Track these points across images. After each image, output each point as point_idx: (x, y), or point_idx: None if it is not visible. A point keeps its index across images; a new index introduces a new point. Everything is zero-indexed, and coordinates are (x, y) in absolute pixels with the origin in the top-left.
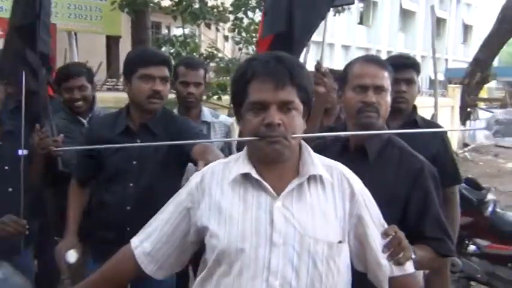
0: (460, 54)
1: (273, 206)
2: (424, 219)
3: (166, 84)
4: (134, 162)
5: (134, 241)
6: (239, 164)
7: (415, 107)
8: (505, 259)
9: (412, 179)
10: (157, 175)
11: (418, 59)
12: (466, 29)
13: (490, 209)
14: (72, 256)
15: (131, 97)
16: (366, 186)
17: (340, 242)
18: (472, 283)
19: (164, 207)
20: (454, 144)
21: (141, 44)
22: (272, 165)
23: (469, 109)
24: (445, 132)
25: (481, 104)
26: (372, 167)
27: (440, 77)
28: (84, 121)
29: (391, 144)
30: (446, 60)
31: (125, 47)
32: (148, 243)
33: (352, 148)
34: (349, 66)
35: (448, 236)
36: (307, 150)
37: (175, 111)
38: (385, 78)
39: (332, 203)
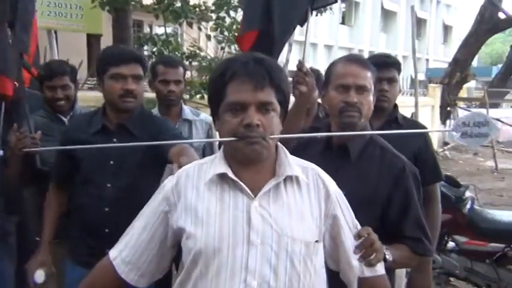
0: (441, 54)
1: (250, 206)
2: (404, 219)
3: (139, 82)
4: (111, 163)
5: (112, 252)
6: (215, 164)
7: (396, 106)
8: (483, 255)
9: (393, 179)
10: (136, 176)
11: (400, 59)
12: (446, 29)
13: (468, 206)
14: (40, 277)
15: (104, 97)
16: (347, 184)
17: (316, 241)
18: (451, 279)
19: (139, 215)
20: (435, 143)
21: (122, 43)
22: (249, 166)
23: (449, 108)
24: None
25: (461, 104)
26: (354, 166)
27: (421, 76)
28: (65, 120)
29: (373, 143)
30: (427, 60)
31: (106, 46)
32: (127, 251)
33: (335, 147)
34: (332, 65)
35: (427, 236)
36: (283, 151)
37: (155, 110)
38: (368, 78)
39: (308, 203)
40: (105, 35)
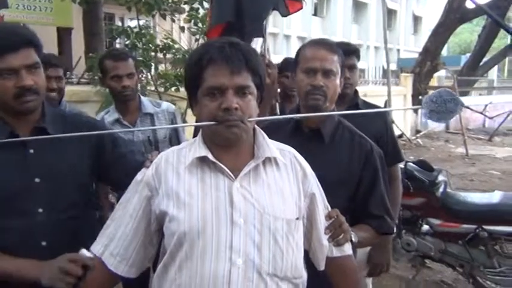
0: (411, 45)
1: (231, 187)
2: (370, 197)
3: (38, 72)
4: (37, 180)
5: (96, 248)
6: (195, 148)
7: (356, 91)
8: (456, 236)
9: (363, 160)
10: (76, 194)
11: (372, 50)
12: (416, 20)
13: (441, 189)
14: None
15: None
16: (322, 167)
17: (297, 218)
18: (427, 261)
19: (118, 206)
20: (407, 131)
21: (94, 36)
22: (228, 149)
23: (420, 97)
24: (387, 114)
25: (431, 92)
26: (327, 149)
27: (393, 66)
28: None
29: (342, 126)
30: (398, 50)
31: (78, 39)
32: (114, 243)
33: (306, 131)
34: (301, 49)
35: (389, 214)
36: (261, 133)
37: (112, 108)
38: (334, 62)
39: (287, 183)
40: (75, 28)
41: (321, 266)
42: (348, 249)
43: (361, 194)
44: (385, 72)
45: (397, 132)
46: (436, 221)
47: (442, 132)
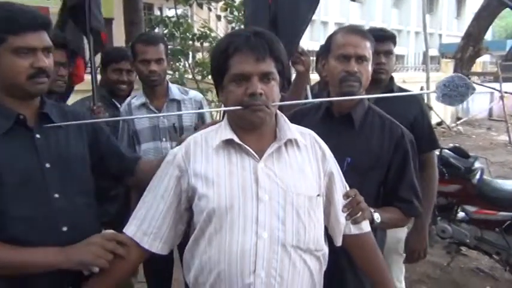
0: (454, 29)
1: (256, 167)
2: (400, 181)
3: (50, 56)
4: (47, 165)
5: (129, 230)
6: (221, 131)
7: (392, 78)
8: (492, 224)
9: (394, 144)
10: (84, 183)
11: (412, 35)
12: (460, 3)
13: (477, 176)
14: None
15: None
16: (352, 152)
17: (318, 195)
18: (462, 248)
19: (149, 188)
20: (447, 118)
21: (133, 26)
22: (252, 131)
23: None
24: (422, 99)
25: (475, 79)
26: (358, 134)
27: (434, 52)
28: (119, 106)
29: (372, 111)
30: (440, 35)
31: (118, 29)
32: (147, 223)
33: (336, 116)
34: (332, 36)
35: (418, 198)
36: (283, 117)
37: (140, 92)
38: (367, 48)
39: (308, 162)
40: (116, 19)
41: (338, 242)
42: (365, 226)
43: (391, 178)
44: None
45: (436, 120)
46: (472, 208)
47: (485, 119)
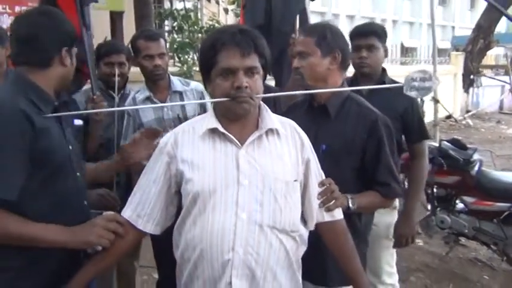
0: (467, 21)
1: (238, 153)
2: (376, 165)
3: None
4: (70, 147)
5: (126, 213)
6: (207, 120)
7: (384, 70)
8: (491, 214)
9: (367, 129)
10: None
11: (424, 27)
12: None
13: (476, 168)
14: None
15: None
16: (327, 139)
17: (295, 180)
18: (461, 238)
19: (142, 176)
20: (457, 111)
21: (144, 19)
22: (236, 121)
23: (472, 76)
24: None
25: (487, 71)
26: (333, 122)
27: (447, 44)
28: (116, 97)
29: (350, 100)
30: (453, 27)
31: (129, 22)
32: (141, 206)
33: (316, 107)
34: None
35: (396, 180)
36: (265, 108)
37: (143, 86)
38: (306, 44)
39: (287, 150)
40: (127, 12)
41: (311, 226)
42: (338, 214)
43: (368, 163)
44: (438, 51)
45: (444, 113)
46: (470, 199)
47: (495, 112)
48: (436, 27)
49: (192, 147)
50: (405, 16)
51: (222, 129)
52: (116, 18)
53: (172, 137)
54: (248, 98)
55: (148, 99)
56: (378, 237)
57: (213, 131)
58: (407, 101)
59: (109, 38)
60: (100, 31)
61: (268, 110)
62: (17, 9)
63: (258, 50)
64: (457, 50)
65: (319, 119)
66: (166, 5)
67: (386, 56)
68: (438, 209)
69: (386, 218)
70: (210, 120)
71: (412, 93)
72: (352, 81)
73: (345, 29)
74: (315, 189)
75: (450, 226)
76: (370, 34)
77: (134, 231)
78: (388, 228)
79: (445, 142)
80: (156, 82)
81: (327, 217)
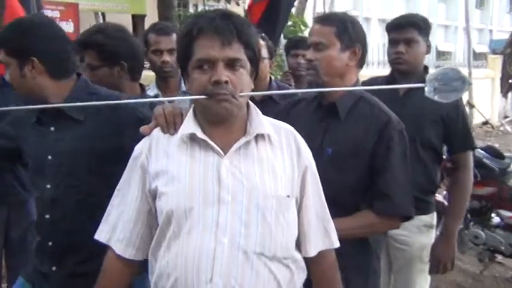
0: (506, 24)
1: (220, 164)
2: (381, 173)
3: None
4: (49, 157)
5: (101, 236)
6: (184, 124)
7: (426, 68)
8: None
9: (377, 132)
10: (80, 175)
11: (460, 30)
12: None
13: None
14: None
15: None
16: (335, 141)
17: (288, 196)
18: (497, 255)
19: (117, 192)
20: (494, 117)
21: (167, 22)
22: (219, 125)
23: (510, 80)
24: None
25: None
26: (342, 123)
27: (484, 48)
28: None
29: (363, 100)
30: (491, 31)
31: None
32: (119, 229)
33: (324, 106)
34: None
35: (402, 195)
36: (255, 109)
37: (153, 84)
38: (324, 34)
39: (280, 159)
40: (150, 15)
41: (306, 252)
42: (336, 241)
43: (374, 170)
44: (475, 55)
45: (480, 119)
46: (507, 213)
47: None
48: (473, 31)
49: (166, 155)
50: (440, 19)
51: (201, 135)
52: (137, 21)
53: (147, 144)
54: (229, 96)
55: (156, 97)
56: (410, 259)
57: (192, 137)
58: (452, 103)
59: None
60: None
61: (259, 112)
62: None
63: (243, 39)
64: (494, 53)
65: (327, 119)
66: (192, 8)
67: (428, 52)
68: (471, 223)
69: (421, 238)
70: (187, 123)
71: (437, 96)
72: (388, 81)
73: (377, 33)
74: (312, 205)
75: (485, 242)
76: (409, 26)
77: (117, 258)
78: (422, 250)
79: (480, 150)
80: (166, 80)
81: (324, 244)
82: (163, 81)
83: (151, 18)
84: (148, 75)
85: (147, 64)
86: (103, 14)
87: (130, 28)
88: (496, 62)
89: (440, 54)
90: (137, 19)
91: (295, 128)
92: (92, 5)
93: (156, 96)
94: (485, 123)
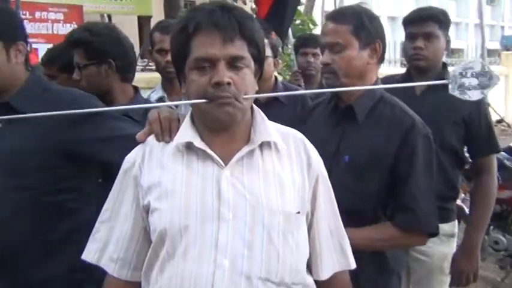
0: None
1: (220, 176)
2: (404, 184)
3: None
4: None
5: (89, 256)
6: (180, 131)
7: (445, 65)
8: None
9: (401, 136)
10: (31, 177)
11: (471, 27)
12: None
13: None
14: None
15: None
16: (352, 148)
17: (298, 212)
18: None
19: (106, 206)
20: (509, 115)
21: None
22: (220, 132)
23: None
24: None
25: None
26: (361, 127)
27: (495, 45)
28: None
29: (383, 101)
30: (503, 27)
31: None
32: (111, 247)
33: (341, 108)
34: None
35: (426, 208)
36: (260, 114)
37: (159, 86)
38: (340, 34)
39: (289, 171)
40: (157, 17)
41: (318, 275)
42: (352, 261)
43: (396, 179)
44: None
45: (495, 117)
46: None
47: None
48: (485, 27)
49: (160, 166)
50: (451, 16)
51: (198, 144)
52: (143, 23)
53: (140, 154)
54: (232, 99)
55: (161, 101)
56: (430, 271)
57: (189, 146)
58: (473, 103)
59: (136, 43)
60: (128, 36)
61: (265, 117)
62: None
63: (246, 34)
64: (506, 50)
65: (344, 123)
66: None
67: (448, 48)
68: (492, 227)
69: (442, 248)
70: (184, 131)
71: (462, 94)
72: (405, 80)
73: (387, 31)
74: (324, 219)
75: (506, 248)
76: (428, 19)
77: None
78: (443, 261)
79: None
80: (171, 81)
81: (340, 265)
82: (168, 83)
83: (158, 19)
84: (153, 78)
85: (141, 65)
86: (109, 16)
87: (136, 30)
88: (510, 59)
89: (452, 52)
90: (143, 20)
91: (309, 135)
92: (96, 6)
93: (161, 98)
94: (500, 121)
